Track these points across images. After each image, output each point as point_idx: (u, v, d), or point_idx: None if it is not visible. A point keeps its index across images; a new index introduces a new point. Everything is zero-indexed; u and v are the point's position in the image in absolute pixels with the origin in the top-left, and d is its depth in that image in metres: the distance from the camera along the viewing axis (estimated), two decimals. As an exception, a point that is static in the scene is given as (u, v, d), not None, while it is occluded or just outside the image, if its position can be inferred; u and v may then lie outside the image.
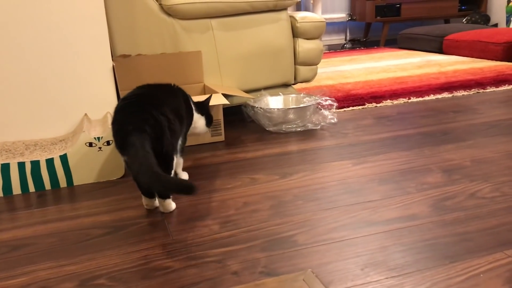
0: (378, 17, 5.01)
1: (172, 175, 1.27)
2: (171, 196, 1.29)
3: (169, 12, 1.98)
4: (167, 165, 1.24)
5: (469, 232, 1.09)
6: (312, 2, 5.02)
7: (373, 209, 1.24)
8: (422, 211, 1.21)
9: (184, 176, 1.52)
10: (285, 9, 2.22)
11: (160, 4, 1.98)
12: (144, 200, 1.31)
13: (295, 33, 2.27)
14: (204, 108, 1.58)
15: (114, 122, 1.21)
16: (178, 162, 1.46)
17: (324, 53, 4.75)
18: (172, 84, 1.49)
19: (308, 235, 1.12)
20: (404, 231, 1.12)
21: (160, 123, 1.19)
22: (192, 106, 1.52)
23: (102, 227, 1.22)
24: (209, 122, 1.60)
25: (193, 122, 1.52)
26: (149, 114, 1.18)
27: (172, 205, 1.29)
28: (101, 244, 1.14)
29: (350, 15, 5.28)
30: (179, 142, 1.39)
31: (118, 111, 1.22)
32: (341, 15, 5.29)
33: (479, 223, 1.13)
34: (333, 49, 5.27)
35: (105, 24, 1.71)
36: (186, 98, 1.50)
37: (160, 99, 1.28)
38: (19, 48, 1.62)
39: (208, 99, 1.61)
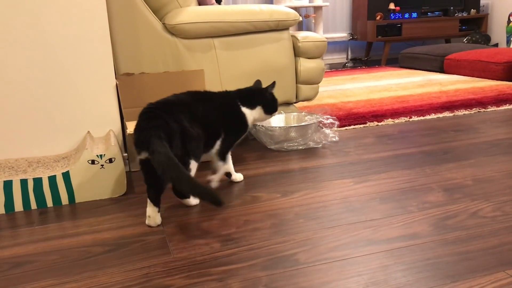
0: (380, 37, 5.06)
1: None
2: (190, 196, 1.42)
3: (172, 31, 2.00)
4: None
5: (471, 251, 1.09)
6: (313, 21, 5.07)
7: (374, 228, 1.24)
8: (423, 230, 1.21)
9: (239, 177, 1.65)
10: (286, 29, 2.25)
11: (163, 24, 2.01)
12: (148, 210, 1.33)
13: (297, 53, 2.30)
14: (255, 100, 1.61)
15: (136, 124, 1.32)
16: (227, 166, 1.59)
17: (326, 71, 4.78)
18: (217, 92, 1.58)
19: (309, 254, 1.12)
20: (405, 250, 1.11)
21: (171, 130, 1.28)
22: (243, 110, 1.57)
23: (103, 245, 1.22)
24: (270, 109, 1.64)
25: (248, 121, 1.59)
26: (163, 120, 1.29)
27: (192, 201, 1.43)
28: (102, 261, 1.14)
29: (351, 34, 5.34)
30: (215, 146, 1.49)
31: (140, 115, 1.34)
32: (342, 35, 5.35)
33: (480, 243, 1.13)
34: (334, 68, 5.31)
35: (109, 43, 1.73)
36: (231, 106, 1.56)
37: (181, 107, 1.37)
38: (23, 66, 1.64)
39: (261, 90, 1.65)
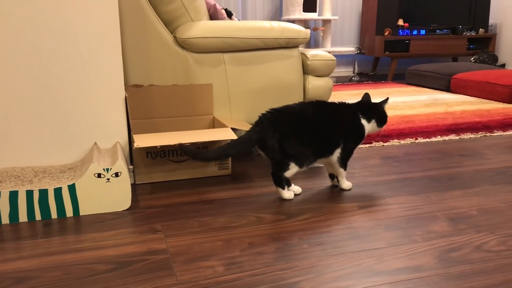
0: (387, 52, 5.07)
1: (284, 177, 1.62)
2: (285, 187, 1.64)
3: (183, 45, 2.01)
4: (277, 167, 1.60)
5: (475, 287, 1.09)
6: (322, 34, 5.09)
7: (378, 257, 1.23)
8: (428, 262, 1.20)
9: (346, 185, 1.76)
10: (296, 46, 2.25)
11: (174, 37, 2.02)
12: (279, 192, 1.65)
13: (306, 70, 2.30)
14: (372, 114, 1.75)
15: None
16: (339, 171, 1.72)
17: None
18: (339, 104, 1.72)
19: (313, 283, 1.11)
20: (409, 283, 1.11)
21: (265, 136, 1.56)
22: (362, 122, 1.71)
23: (106, 262, 1.22)
24: (382, 122, 1.78)
25: (365, 132, 1.73)
26: (261, 127, 1.58)
27: (283, 193, 1.64)
28: (105, 281, 1.14)
29: (359, 48, 5.35)
30: (335, 153, 1.66)
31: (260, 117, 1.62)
32: (350, 48, 5.35)
33: (485, 279, 1.12)
34: (340, 82, 5.31)
35: (120, 55, 1.74)
36: (353, 117, 1.70)
37: (291, 116, 1.59)
38: (33, 76, 1.65)
39: (376, 104, 1.78)
